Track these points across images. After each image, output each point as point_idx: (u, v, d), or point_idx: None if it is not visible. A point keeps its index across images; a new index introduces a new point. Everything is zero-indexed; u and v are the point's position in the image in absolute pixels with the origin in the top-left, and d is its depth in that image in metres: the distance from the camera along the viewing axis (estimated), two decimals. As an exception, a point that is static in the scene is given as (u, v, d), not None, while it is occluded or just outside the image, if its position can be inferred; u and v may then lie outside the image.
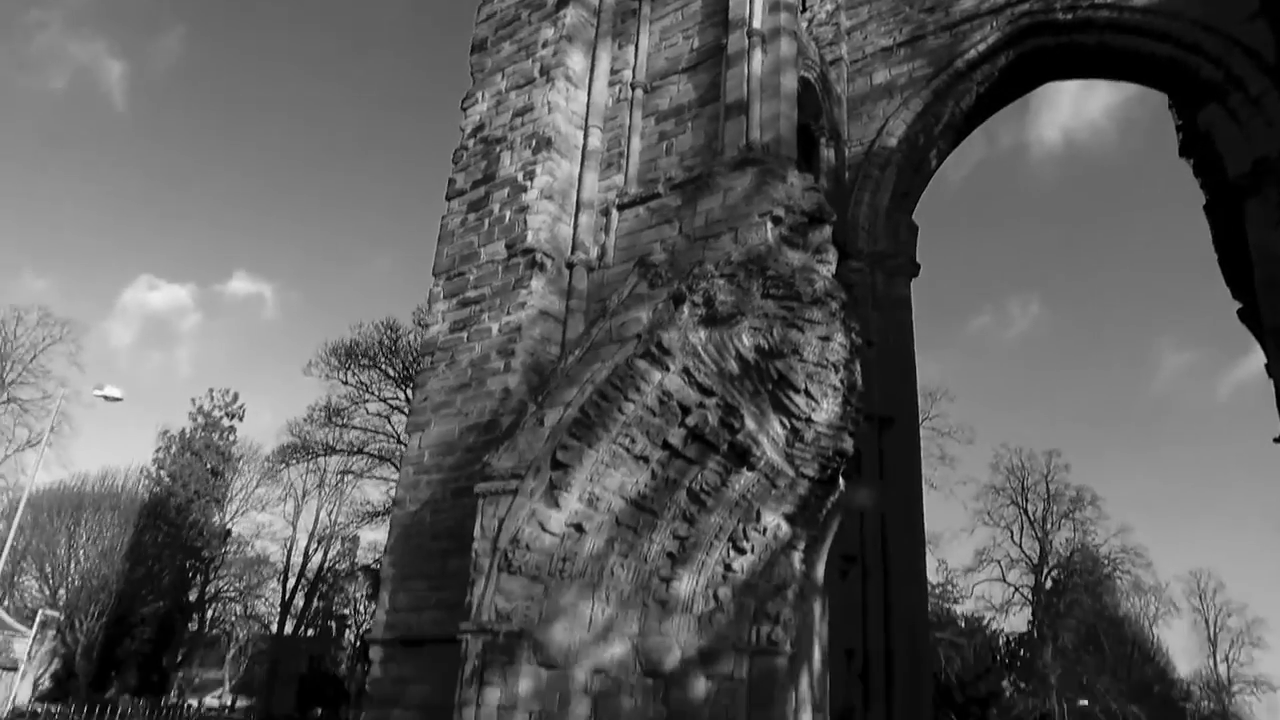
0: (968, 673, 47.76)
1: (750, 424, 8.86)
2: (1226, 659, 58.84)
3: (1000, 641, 50.93)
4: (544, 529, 8.58)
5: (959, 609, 51.09)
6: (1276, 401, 14.79)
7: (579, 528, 8.65)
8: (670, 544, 8.97)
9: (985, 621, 51.14)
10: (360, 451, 35.45)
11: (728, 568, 9.08)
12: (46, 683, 38.80)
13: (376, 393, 33.21)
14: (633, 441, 8.67)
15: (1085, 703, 46.80)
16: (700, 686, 8.77)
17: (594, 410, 8.61)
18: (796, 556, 9.50)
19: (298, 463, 37.35)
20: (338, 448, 35.31)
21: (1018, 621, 52.03)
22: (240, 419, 43.20)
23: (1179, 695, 54.38)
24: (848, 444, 9.32)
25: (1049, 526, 51.53)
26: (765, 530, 9.08)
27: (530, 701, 8.29)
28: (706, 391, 8.65)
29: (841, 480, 9.82)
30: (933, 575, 49.87)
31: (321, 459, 38.52)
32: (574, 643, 8.55)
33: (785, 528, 9.24)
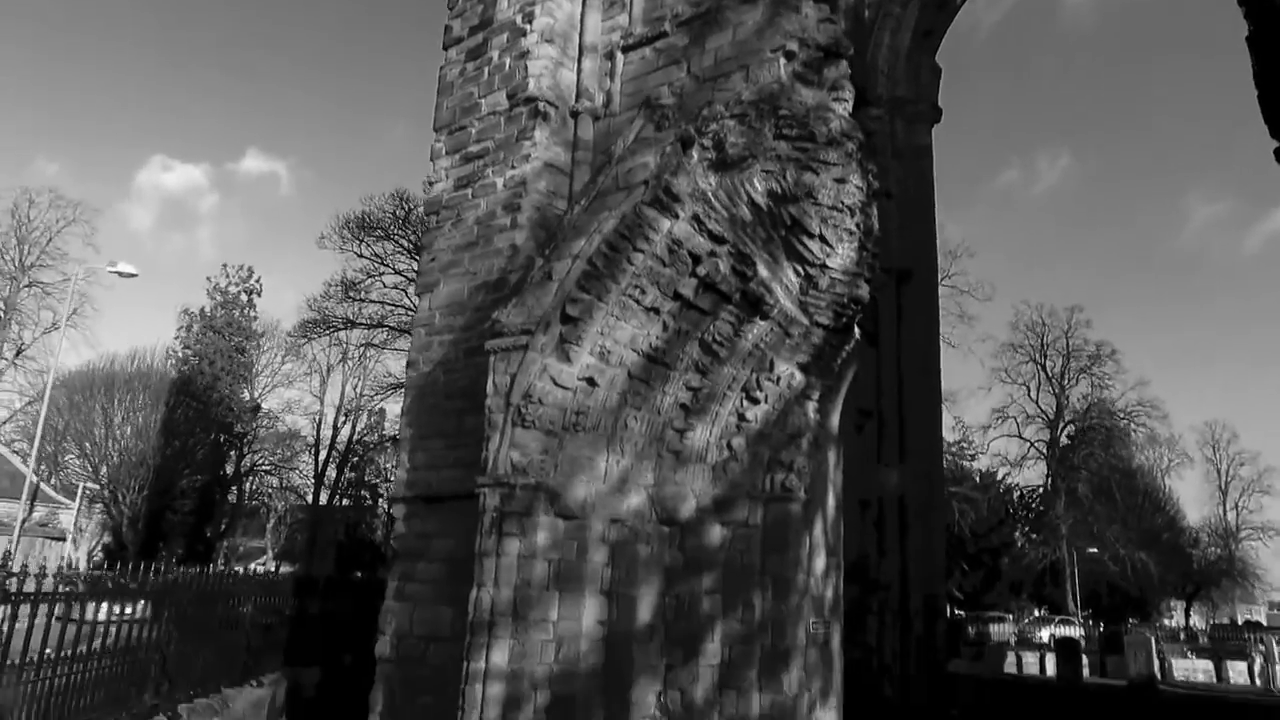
0: (981, 525, 48.95)
1: (763, 272, 8.58)
2: (1236, 507, 59.95)
3: (1014, 495, 51.98)
4: (556, 383, 8.47)
5: (975, 465, 51.88)
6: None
7: (591, 381, 8.53)
8: (683, 395, 8.86)
9: (1000, 477, 52.04)
10: (380, 325, 35.62)
11: (741, 418, 8.99)
12: (99, 554, 40.60)
13: (391, 265, 33.04)
14: (643, 293, 8.44)
15: (1095, 550, 47.89)
16: (715, 533, 8.84)
17: (602, 262, 8.34)
18: (811, 406, 9.39)
19: (318, 337, 37.60)
20: (357, 322, 35.46)
21: (1032, 476, 52.97)
22: (259, 295, 43.31)
23: (1187, 542, 55.54)
24: (863, 290, 9.05)
25: (1066, 382, 51.66)
26: (779, 380, 8.94)
27: (549, 551, 8.39)
28: (717, 239, 8.34)
29: (857, 329, 9.59)
30: (950, 434, 50.46)
31: (342, 334, 38.77)
32: (590, 494, 8.58)
33: (799, 377, 9.10)
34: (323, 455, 49.77)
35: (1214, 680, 35.39)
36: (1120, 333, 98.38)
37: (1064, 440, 52.29)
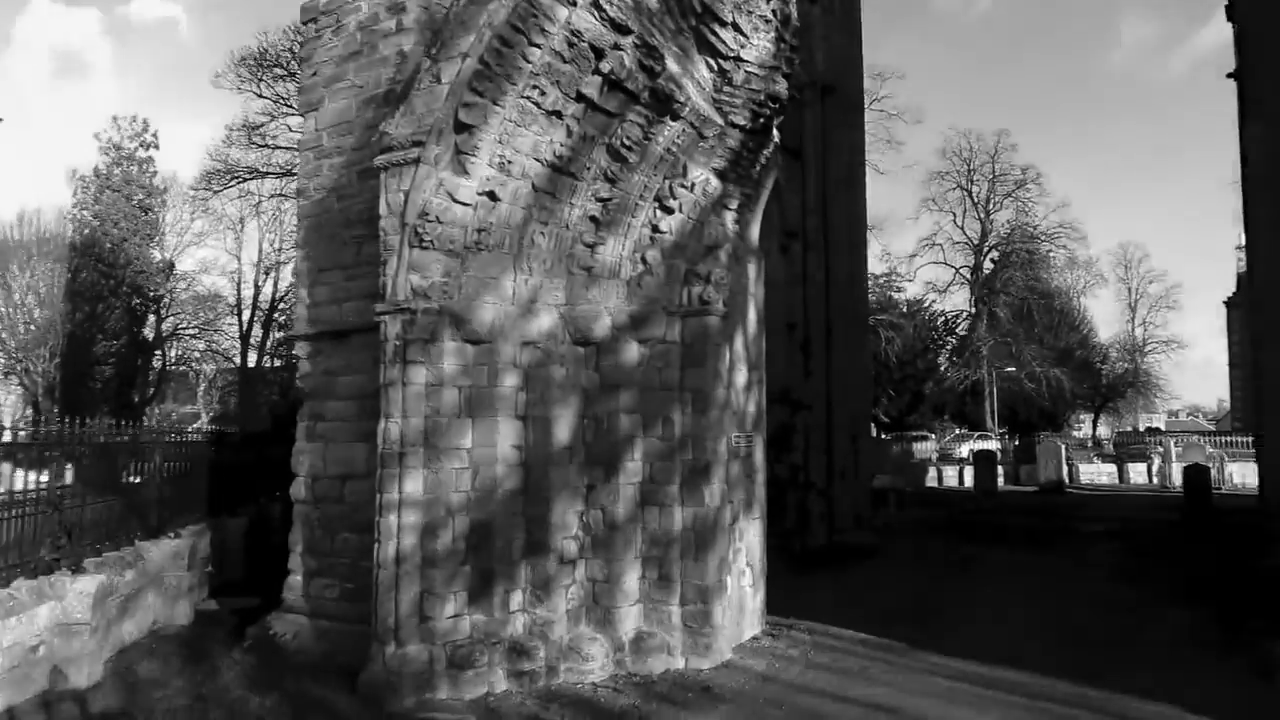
0: (907, 352, 50.22)
1: (672, 66, 7.84)
2: (1144, 323, 62.68)
3: (940, 321, 53.19)
4: (454, 199, 7.78)
5: (902, 296, 52.67)
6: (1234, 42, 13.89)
7: (492, 196, 7.85)
8: (593, 207, 8.26)
9: (927, 304, 53.04)
10: (290, 173, 33.58)
11: (655, 229, 8.46)
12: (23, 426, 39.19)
13: (294, 104, 30.73)
14: (543, 94, 7.66)
15: (1012, 370, 49.71)
16: (632, 351, 8.47)
17: (495, 59, 7.49)
18: (729, 216, 8.89)
19: (223, 189, 35.42)
20: (266, 171, 33.37)
21: (958, 301, 54.12)
22: (155, 148, 40.35)
23: (1097, 358, 58.02)
24: (781, 87, 8.39)
25: (992, 207, 52.08)
26: (694, 186, 8.37)
27: (458, 378, 7.94)
28: (621, 29, 7.52)
29: (775, 132, 8.97)
30: (877, 265, 50.96)
31: (252, 185, 36.59)
32: (499, 317, 8.07)
33: (715, 183, 8.53)
34: (246, 315, 48.15)
35: (1116, 482, 37.70)
36: (1046, 157, 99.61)
37: (988, 265, 53.26)
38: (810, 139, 16.22)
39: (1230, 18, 17.61)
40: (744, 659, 8.48)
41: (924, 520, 20.70)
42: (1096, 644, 8.97)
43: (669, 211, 8.41)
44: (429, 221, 7.73)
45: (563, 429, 8.23)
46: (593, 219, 8.28)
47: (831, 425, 16.36)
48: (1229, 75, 16.42)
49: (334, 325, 9.44)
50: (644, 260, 8.48)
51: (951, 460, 38.88)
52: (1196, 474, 22.93)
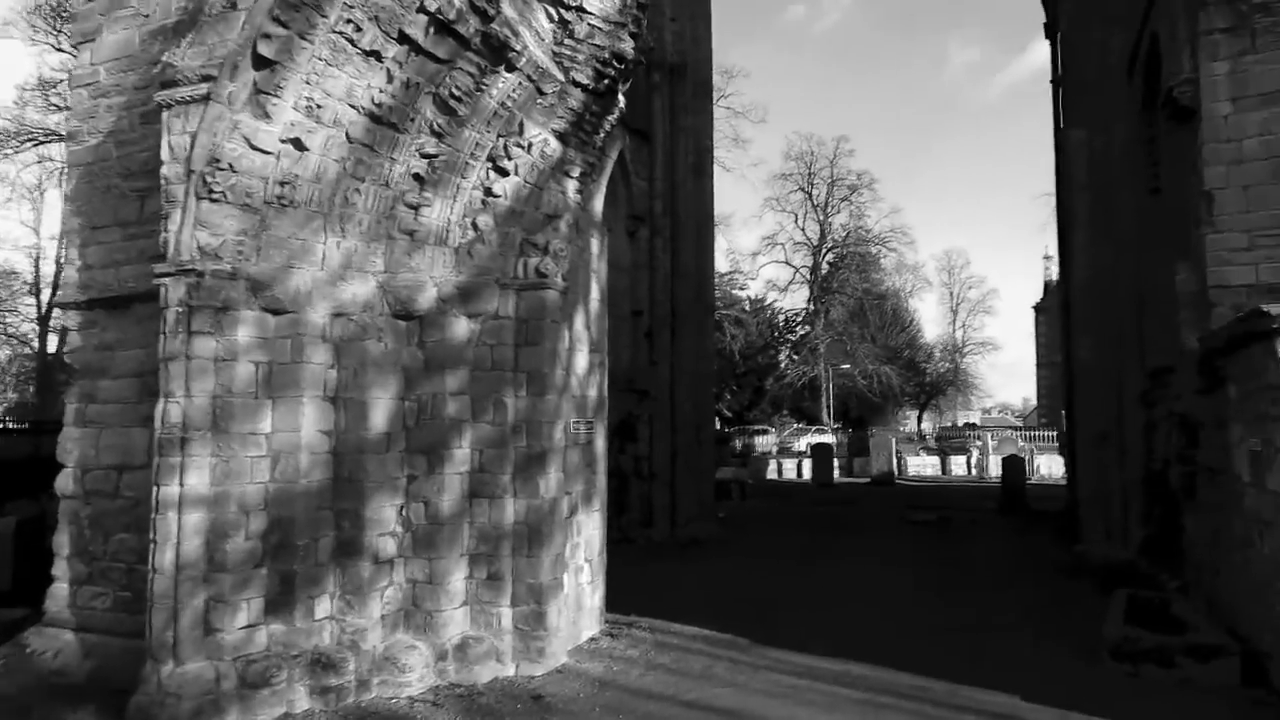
0: (749, 348, 51.25)
1: (509, 10, 7.04)
2: (964, 325, 66.81)
3: (781, 319, 54.60)
4: (251, 145, 6.68)
5: (745, 293, 53.71)
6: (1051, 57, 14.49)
7: (298, 144, 6.81)
8: (418, 164, 7.34)
9: (769, 302, 54.37)
10: (95, 140, 30.23)
11: (488, 192, 7.63)
12: None
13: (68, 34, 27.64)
14: (359, 31, 6.68)
15: (847, 367, 51.63)
16: (461, 327, 7.62)
17: (302, -14, 6.45)
18: (571, 185, 8.17)
19: (16, 153, 31.56)
20: (64, 132, 29.88)
21: (797, 300, 55.73)
22: (-65, 106, 35.50)
23: (923, 357, 61.28)
24: (627, 46, 7.74)
25: (830, 210, 53.86)
26: (530, 147, 7.60)
27: (255, 351, 6.85)
28: (450, -37, 6.65)
29: (621, 98, 8.32)
30: (722, 262, 51.73)
31: (51, 148, 32.76)
32: (306, 284, 7.03)
33: (555, 145, 7.79)
34: (46, 296, 43.33)
35: (939, 473, 39.65)
36: (881, 165, 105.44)
37: (825, 266, 55.10)
38: (659, 122, 15.76)
39: (1048, 35, 18.50)
40: (581, 663, 7.80)
41: (766, 511, 20.75)
42: (935, 633, 8.85)
43: (504, 173, 7.60)
44: (221, 170, 6.60)
45: (380, 413, 7.28)
46: (417, 177, 7.36)
47: (676, 416, 15.97)
48: (1051, 81, 17.16)
49: (111, 291, 8.06)
50: (475, 226, 7.63)
51: (791, 453, 39.81)
52: (1013, 464, 24.17)
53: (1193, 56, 9.73)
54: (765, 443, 41.42)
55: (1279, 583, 6.86)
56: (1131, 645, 7.28)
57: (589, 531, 8.67)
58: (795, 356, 54.25)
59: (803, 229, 54.13)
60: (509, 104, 7.38)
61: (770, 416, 53.22)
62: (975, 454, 41.37)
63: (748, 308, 52.45)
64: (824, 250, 54.44)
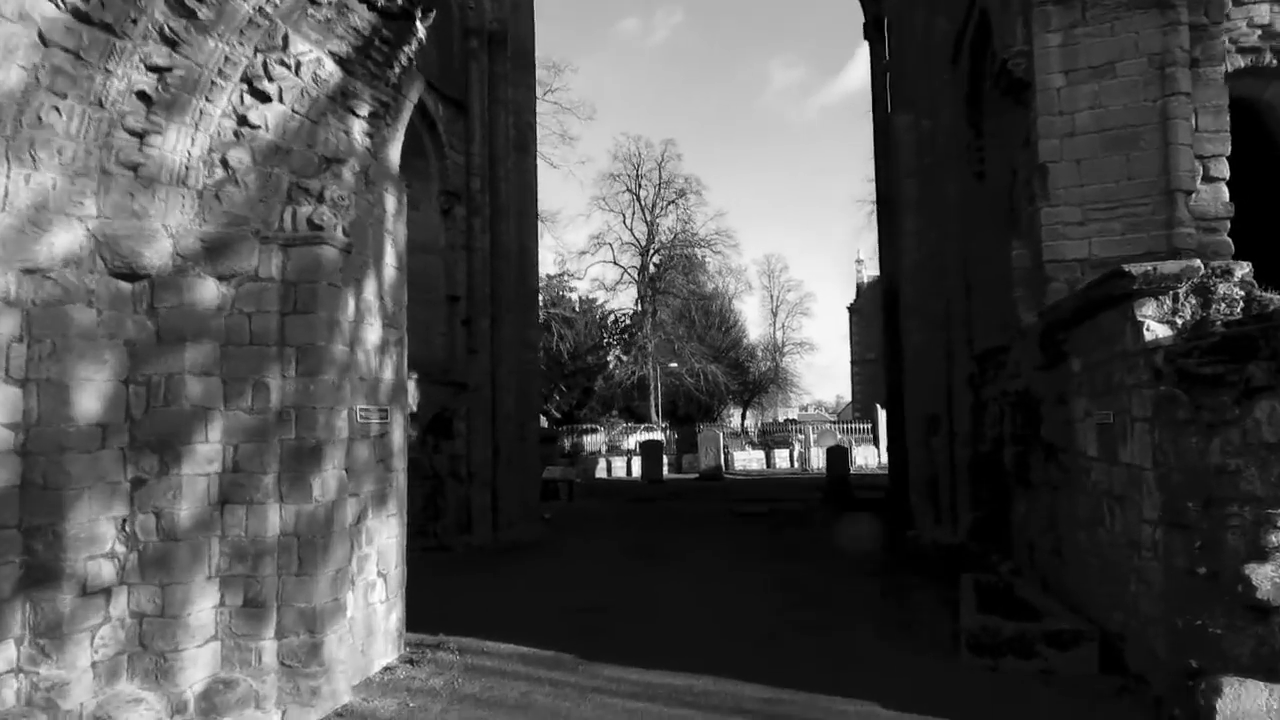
0: (579, 347, 50.29)
1: (261, -118, 5.50)
2: (783, 326, 68.85)
3: (610, 319, 53.98)
4: (-113, 33, 4.80)
5: (575, 295, 52.70)
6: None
7: (-38, 37, 4.98)
8: (143, 80, 5.63)
9: (598, 302, 53.63)
10: None
11: (244, 121, 6.01)
12: None
13: None
14: (47, -112, 4.95)
15: (674, 365, 51.62)
16: (207, 290, 5.96)
17: None
18: (358, 125, 6.68)
19: None
20: None
21: (625, 300, 55.32)
22: None
23: (746, 356, 62.47)
24: (423, -48, 6.34)
25: (657, 211, 53.78)
26: (298, 67, 6.05)
27: (-100, 316, 4.96)
28: None
29: (420, 27, 6.90)
30: (551, 265, 50.62)
31: None
32: (-19, 228, 5.19)
33: (332, 69, 6.28)
34: None
35: (764, 467, 40.08)
36: (707, 171, 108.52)
37: (653, 266, 54.97)
38: (477, 92, 14.31)
39: (867, 36, 18.53)
40: (370, 700, 6.31)
41: (596, 511, 19.67)
42: (779, 635, 7.96)
43: (264, 98, 6.01)
44: None
45: (92, 398, 5.52)
46: (144, 96, 5.65)
47: (498, 410, 14.56)
48: (875, 72, 17.04)
49: None
50: (226, 164, 6.00)
51: (620, 451, 39.07)
52: (837, 455, 24.31)
53: (1025, 28, 9.40)
54: (595, 441, 40.49)
55: (1137, 560, 6.37)
56: (991, 636, 6.62)
57: (383, 540, 7.17)
58: (624, 356, 53.77)
59: (630, 229, 53.79)
60: (269, 9, 5.81)
61: (600, 416, 52.45)
62: (797, 447, 42.17)
63: (576, 307, 51.49)
64: (651, 251, 54.29)
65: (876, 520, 16.53)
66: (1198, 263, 6.09)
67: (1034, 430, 9.27)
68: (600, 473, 35.08)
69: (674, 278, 54.90)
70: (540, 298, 50.15)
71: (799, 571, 11.19)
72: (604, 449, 40.18)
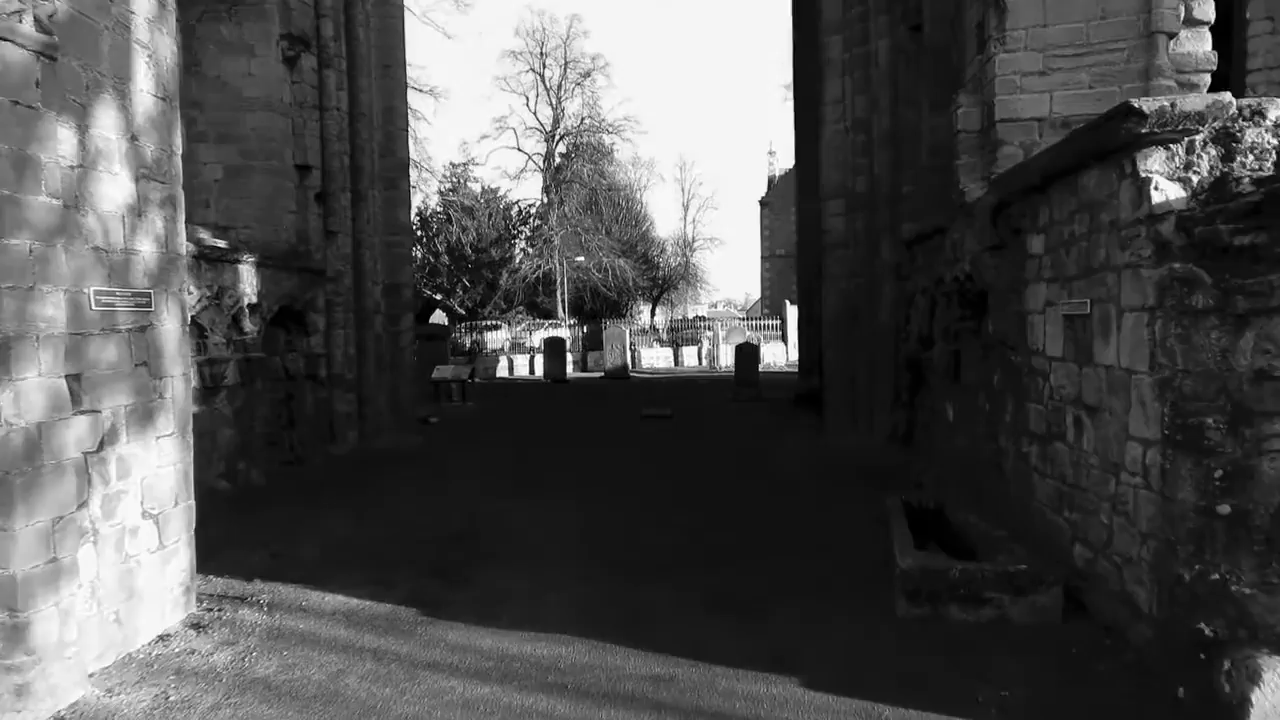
0: (482, 240, 47.70)
1: None
2: (694, 221, 67.19)
3: (515, 210, 51.28)
4: None
5: (477, 186, 49.61)
6: None
7: None
8: None
9: (502, 192, 50.71)
10: None
11: None
12: None
13: None
14: None
15: (581, 259, 49.58)
16: None
17: None
18: (73, -124, 4.46)
19: None
20: None
21: (530, 189, 52.58)
22: None
23: (656, 251, 60.75)
24: None
25: (564, 94, 50.55)
26: None
27: None
28: None
29: None
30: (455, 155, 47.18)
31: None
32: None
33: None
34: None
35: (672, 365, 39.00)
36: (616, 49, 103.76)
37: (558, 156, 52.09)
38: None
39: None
40: (119, 690, 4.60)
41: (490, 414, 18.00)
42: (681, 575, 6.54)
43: None
44: None
45: None
46: None
47: (363, 302, 12.55)
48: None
49: None
50: None
51: (524, 350, 37.30)
52: (746, 353, 23.11)
53: None
54: (497, 339, 38.56)
55: (1114, 486, 5.08)
56: (933, 582, 5.29)
57: (150, 470, 5.32)
58: (530, 249, 51.46)
59: (535, 113, 50.55)
60: None
61: (505, 313, 50.32)
62: (706, 345, 41.18)
63: (479, 197, 48.58)
64: (557, 137, 51.29)
65: (788, 423, 15.37)
66: (1228, 98, 4.58)
67: (976, 325, 7.92)
68: (502, 372, 33.35)
69: (581, 166, 52.24)
70: (438, 184, 46.94)
71: (705, 487, 9.82)
72: (506, 347, 38.32)
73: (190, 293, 9.30)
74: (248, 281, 10.23)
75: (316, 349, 11.90)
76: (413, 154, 41.81)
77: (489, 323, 41.35)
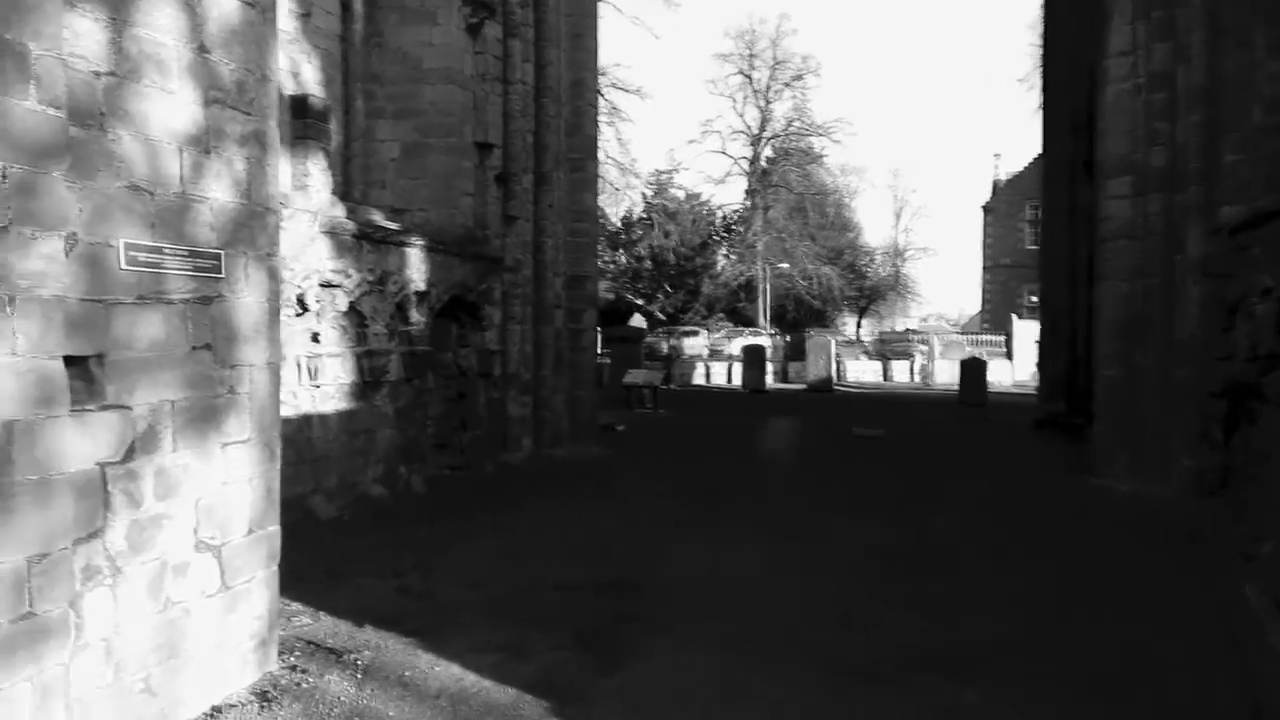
0: (685, 245, 46.74)
1: None
2: (906, 229, 63.03)
3: (718, 216, 49.93)
4: None
5: (680, 192, 48.63)
6: None
7: None
8: None
9: (704, 197, 49.53)
10: None
11: None
12: None
13: None
14: None
15: (785, 266, 47.33)
16: None
17: None
18: None
19: None
20: None
21: (734, 194, 51.04)
22: None
23: (864, 260, 57.33)
24: None
25: (771, 96, 48.58)
26: None
27: None
28: None
29: None
30: (659, 160, 46.51)
31: None
32: None
33: None
34: None
35: (881, 379, 35.90)
36: (826, 48, 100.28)
37: (765, 158, 50.13)
38: None
39: None
40: (126, 797, 3.24)
41: (683, 424, 16.41)
42: (936, 693, 4.49)
43: None
44: None
45: None
46: None
47: (543, 295, 11.27)
48: None
49: None
50: None
51: (722, 357, 35.65)
52: (973, 369, 20.17)
53: None
54: (695, 345, 37.08)
55: None
56: None
57: (210, 487, 3.99)
58: (732, 255, 49.87)
59: (742, 116, 48.86)
60: None
61: (705, 320, 48.97)
62: (919, 359, 37.73)
63: (684, 202, 47.57)
64: (763, 141, 49.33)
65: (1031, 454, 12.61)
66: None
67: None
68: (698, 379, 31.91)
69: (787, 170, 49.94)
70: (642, 188, 46.26)
71: (940, 541, 7.58)
72: (706, 353, 36.79)
73: (349, 275, 8.27)
74: (415, 267, 9.14)
75: (491, 344, 10.72)
76: (617, 156, 41.49)
77: (687, 329, 40.02)
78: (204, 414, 3.92)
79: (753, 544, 7.27)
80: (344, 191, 9.43)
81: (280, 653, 4.58)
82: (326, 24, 9.04)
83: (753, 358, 28.57)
